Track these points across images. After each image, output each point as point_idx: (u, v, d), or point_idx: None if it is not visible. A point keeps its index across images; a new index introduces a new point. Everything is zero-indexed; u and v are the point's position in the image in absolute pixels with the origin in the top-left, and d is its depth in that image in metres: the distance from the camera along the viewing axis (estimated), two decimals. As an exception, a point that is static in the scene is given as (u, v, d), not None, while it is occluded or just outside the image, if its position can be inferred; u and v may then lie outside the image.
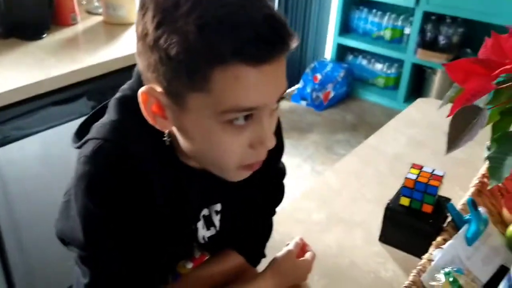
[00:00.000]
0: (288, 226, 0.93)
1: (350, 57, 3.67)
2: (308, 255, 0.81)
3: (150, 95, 0.54)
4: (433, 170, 0.86)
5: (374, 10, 3.43)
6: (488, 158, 0.79)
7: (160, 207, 0.62)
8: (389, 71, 3.51)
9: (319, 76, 3.42)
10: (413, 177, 0.84)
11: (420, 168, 0.86)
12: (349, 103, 3.53)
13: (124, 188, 0.57)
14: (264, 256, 0.81)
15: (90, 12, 1.91)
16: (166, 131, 0.58)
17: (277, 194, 0.85)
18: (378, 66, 3.54)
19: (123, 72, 1.56)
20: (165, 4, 0.49)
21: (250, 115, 0.53)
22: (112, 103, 0.62)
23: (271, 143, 0.56)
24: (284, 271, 0.77)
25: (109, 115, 0.61)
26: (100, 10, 1.88)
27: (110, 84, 1.53)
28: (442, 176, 0.84)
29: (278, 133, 0.72)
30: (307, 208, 0.97)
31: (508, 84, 0.77)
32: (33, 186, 1.42)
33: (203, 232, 0.72)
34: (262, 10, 0.49)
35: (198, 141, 0.56)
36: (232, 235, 0.77)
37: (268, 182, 0.79)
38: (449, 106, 0.86)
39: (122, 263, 0.62)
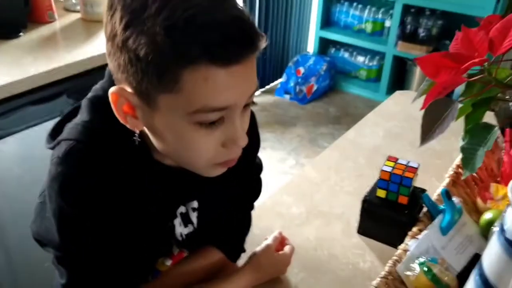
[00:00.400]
0: (268, 220, 0.94)
1: (332, 50, 3.69)
2: (286, 248, 0.82)
3: (120, 95, 0.55)
4: (408, 162, 0.87)
5: (354, 4, 3.45)
6: (461, 149, 0.81)
7: (134, 206, 0.62)
8: (371, 64, 3.54)
9: (302, 70, 3.43)
10: (389, 169, 0.85)
11: (395, 160, 0.88)
12: (332, 96, 3.56)
13: (97, 188, 0.58)
14: (243, 250, 0.82)
15: (67, 10, 1.88)
16: (137, 131, 0.58)
17: (255, 188, 0.86)
18: (360, 59, 3.57)
19: (103, 70, 1.54)
20: (133, 5, 0.49)
21: (222, 115, 0.54)
22: (84, 103, 0.62)
23: (244, 141, 0.56)
24: (263, 265, 0.79)
25: (81, 116, 0.61)
26: (78, 7, 1.86)
27: (89, 82, 1.52)
28: (416, 168, 0.86)
29: (254, 128, 0.73)
30: (286, 202, 0.99)
31: (478, 76, 0.79)
32: (11, 187, 1.40)
33: (180, 229, 0.72)
34: (230, 11, 0.50)
35: (169, 141, 0.56)
36: (210, 231, 0.78)
37: (245, 178, 0.80)
38: (423, 98, 0.88)
39: (98, 263, 0.62)
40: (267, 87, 3.60)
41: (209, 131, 0.54)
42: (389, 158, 0.88)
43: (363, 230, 0.90)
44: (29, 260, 1.50)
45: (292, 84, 3.41)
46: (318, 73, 3.45)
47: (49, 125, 1.51)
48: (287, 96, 3.45)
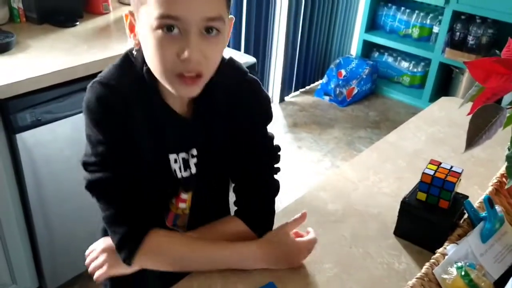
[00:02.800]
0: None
1: (376, 54, 3.64)
2: (307, 236, 0.84)
3: (128, 16, 0.73)
4: (451, 167, 0.87)
5: (402, 8, 3.40)
6: (507, 157, 0.80)
7: (139, 140, 0.75)
8: (415, 70, 3.48)
9: (343, 72, 3.41)
10: (431, 172, 0.85)
11: (438, 164, 0.87)
12: (373, 100, 3.52)
13: (109, 117, 0.73)
14: (270, 228, 0.84)
15: (121, 2, 1.96)
16: (137, 47, 0.74)
17: (269, 155, 0.87)
18: (404, 64, 3.51)
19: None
20: None
21: (179, 28, 0.66)
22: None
23: (191, 54, 0.66)
24: (274, 243, 0.81)
25: (115, 62, 0.77)
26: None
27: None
28: (460, 173, 0.85)
29: (259, 99, 0.84)
30: (323, 198, 1.00)
31: (530, 84, 0.78)
32: (60, 168, 1.48)
33: (180, 174, 0.81)
34: None
35: (145, 51, 0.71)
36: (208, 178, 0.85)
37: (253, 144, 0.84)
38: (470, 105, 0.87)
39: (118, 189, 0.75)
40: (307, 87, 3.60)
41: (167, 40, 0.66)
42: (432, 162, 0.88)
43: (400, 231, 0.90)
44: (72, 237, 1.58)
45: (332, 86, 3.40)
46: (360, 76, 3.42)
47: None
48: (327, 98, 3.44)
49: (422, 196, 0.86)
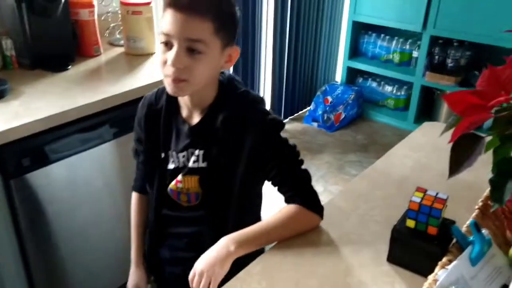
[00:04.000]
0: (299, 246, 0.98)
1: (360, 80, 3.74)
2: None
3: None
4: (437, 194, 0.91)
5: (382, 35, 3.52)
6: (490, 182, 0.85)
7: (146, 136, 1.09)
8: (398, 93, 3.57)
9: (330, 99, 3.49)
10: (418, 200, 0.89)
11: (424, 191, 0.91)
12: (360, 124, 3.59)
13: (140, 117, 1.10)
14: (321, 207, 1.04)
15: (112, 44, 2.02)
16: None
17: (293, 154, 1.06)
18: (388, 88, 3.61)
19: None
20: None
21: (170, 41, 0.90)
22: None
23: (171, 62, 0.90)
24: None
25: None
26: (122, 42, 1.99)
27: (131, 112, 1.62)
28: (445, 200, 0.89)
29: (256, 112, 1.02)
30: (317, 229, 1.03)
31: (504, 113, 0.83)
32: (56, 210, 1.50)
33: (170, 165, 1.06)
34: None
35: None
36: (213, 170, 1.03)
37: (276, 152, 1.03)
38: (451, 131, 0.92)
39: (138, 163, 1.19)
40: (296, 115, 3.67)
41: (164, 50, 0.92)
42: (418, 189, 0.92)
43: (392, 258, 0.93)
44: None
45: (320, 112, 3.47)
46: (346, 101, 3.50)
47: (95, 151, 1.61)
48: (315, 124, 3.51)
49: (411, 223, 0.90)
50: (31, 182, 1.41)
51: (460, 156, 0.88)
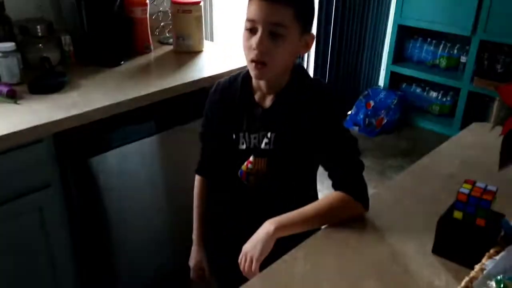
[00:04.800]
0: (344, 233, 0.99)
1: (403, 85, 3.69)
2: None
3: None
4: (486, 186, 0.90)
5: (429, 39, 3.46)
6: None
7: (218, 120, 1.16)
8: (444, 99, 3.50)
9: (372, 103, 3.46)
10: (466, 191, 0.88)
11: (473, 183, 0.91)
12: (403, 130, 3.53)
13: (209, 104, 1.18)
14: (367, 198, 1.06)
15: (161, 42, 2.10)
16: None
17: (351, 142, 1.08)
18: (433, 94, 3.54)
19: (193, 94, 1.71)
20: None
21: (254, 27, 0.97)
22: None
23: (256, 45, 0.97)
24: None
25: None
26: (171, 40, 2.07)
27: (181, 106, 1.69)
28: (495, 192, 0.88)
29: (323, 96, 1.07)
30: (362, 217, 1.04)
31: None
32: (108, 198, 1.58)
33: (241, 145, 1.11)
34: None
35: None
36: (281, 153, 1.08)
37: (336, 137, 1.06)
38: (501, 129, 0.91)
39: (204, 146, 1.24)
40: (337, 119, 3.65)
41: (248, 36, 0.99)
42: (467, 181, 0.92)
43: (438, 250, 0.93)
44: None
45: (361, 116, 3.45)
46: (389, 106, 3.46)
47: (144, 142, 1.68)
48: (356, 128, 3.48)
49: (458, 214, 0.90)
50: (90, 167, 1.49)
51: (511, 149, 0.87)
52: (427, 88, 3.57)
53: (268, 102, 1.09)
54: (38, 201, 1.40)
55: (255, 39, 0.97)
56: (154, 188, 1.73)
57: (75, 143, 1.44)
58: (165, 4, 2.09)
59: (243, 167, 1.14)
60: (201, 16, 1.97)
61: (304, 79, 1.10)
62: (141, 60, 1.89)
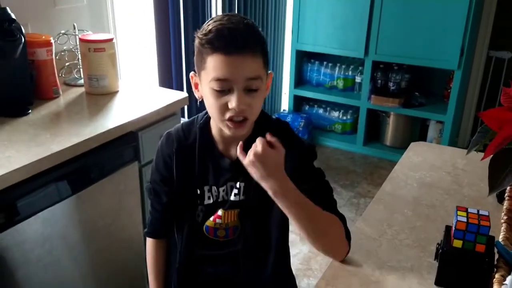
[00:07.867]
0: (345, 280, 0.93)
1: (306, 107, 3.82)
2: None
3: (192, 77, 1.00)
4: (478, 211, 0.91)
5: (325, 62, 3.65)
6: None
7: (176, 173, 1.05)
8: (344, 117, 3.70)
9: (281, 128, 3.51)
10: (464, 219, 0.88)
11: (466, 210, 0.92)
12: (312, 151, 3.64)
13: (166, 155, 1.06)
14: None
15: (68, 84, 1.86)
16: (200, 99, 1.00)
17: (322, 180, 1.05)
18: (334, 114, 3.72)
19: (119, 141, 1.52)
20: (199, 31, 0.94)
21: (227, 86, 0.90)
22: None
23: (235, 105, 0.90)
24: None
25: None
26: (80, 82, 1.85)
27: (108, 154, 1.49)
28: (488, 216, 0.90)
29: (290, 138, 1.03)
30: (355, 260, 0.99)
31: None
32: (33, 269, 1.31)
33: (207, 200, 1.05)
34: (239, 24, 0.90)
35: (206, 102, 0.96)
36: (252, 203, 1.03)
37: (310, 181, 1.01)
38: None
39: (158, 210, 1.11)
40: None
41: (220, 96, 0.91)
42: (459, 208, 0.92)
43: (442, 281, 0.92)
44: None
45: (273, 141, 3.47)
46: (297, 129, 3.54)
47: (65, 204, 1.45)
48: (269, 154, 3.49)
49: (458, 243, 0.89)
50: (3, 242, 1.21)
51: (500, 171, 0.89)
52: (328, 109, 3.74)
53: (234, 152, 1.02)
54: None
55: (232, 98, 0.90)
56: (78, 255, 1.49)
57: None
58: (70, 42, 1.87)
59: (209, 222, 1.06)
60: (115, 53, 1.80)
61: (266, 122, 1.04)
62: (51, 107, 1.65)
